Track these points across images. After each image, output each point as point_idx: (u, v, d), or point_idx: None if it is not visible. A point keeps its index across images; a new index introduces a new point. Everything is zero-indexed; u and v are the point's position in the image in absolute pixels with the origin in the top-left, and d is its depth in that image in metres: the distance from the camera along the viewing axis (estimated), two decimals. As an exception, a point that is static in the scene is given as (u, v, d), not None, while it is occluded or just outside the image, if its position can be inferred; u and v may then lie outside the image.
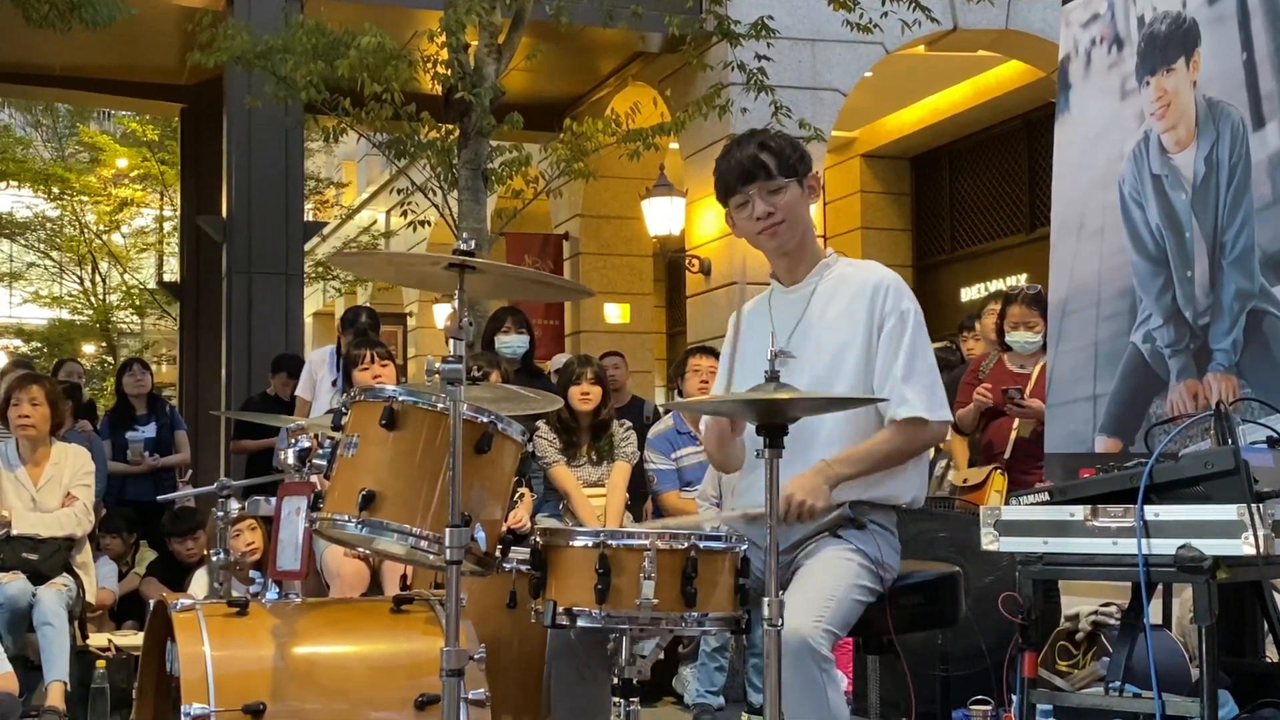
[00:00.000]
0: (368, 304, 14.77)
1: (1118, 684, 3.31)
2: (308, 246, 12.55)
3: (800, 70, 10.95)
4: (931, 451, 5.19)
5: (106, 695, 5.27)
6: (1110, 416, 4.19)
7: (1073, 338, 4.37)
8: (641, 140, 9.24)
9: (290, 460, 3.29)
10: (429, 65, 8.63)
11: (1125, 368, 4.16)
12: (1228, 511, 2.94)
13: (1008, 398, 5.56)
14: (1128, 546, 3.08)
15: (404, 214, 9.56)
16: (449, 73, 8.48)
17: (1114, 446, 4.15)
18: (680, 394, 6.44)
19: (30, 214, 23.23)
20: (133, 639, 5.71)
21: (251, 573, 3.48)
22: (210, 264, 11.85)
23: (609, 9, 9.34)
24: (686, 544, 2.73)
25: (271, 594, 3.31)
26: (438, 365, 2.67)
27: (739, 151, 3.16)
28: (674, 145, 11.66)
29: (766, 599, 2.59)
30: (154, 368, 11.64)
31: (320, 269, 18.37)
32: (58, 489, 5.78)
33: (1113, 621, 3.93)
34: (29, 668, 5.38)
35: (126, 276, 23.56)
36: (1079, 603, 4.15)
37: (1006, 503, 3.96)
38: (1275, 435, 3.26)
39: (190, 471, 8.59)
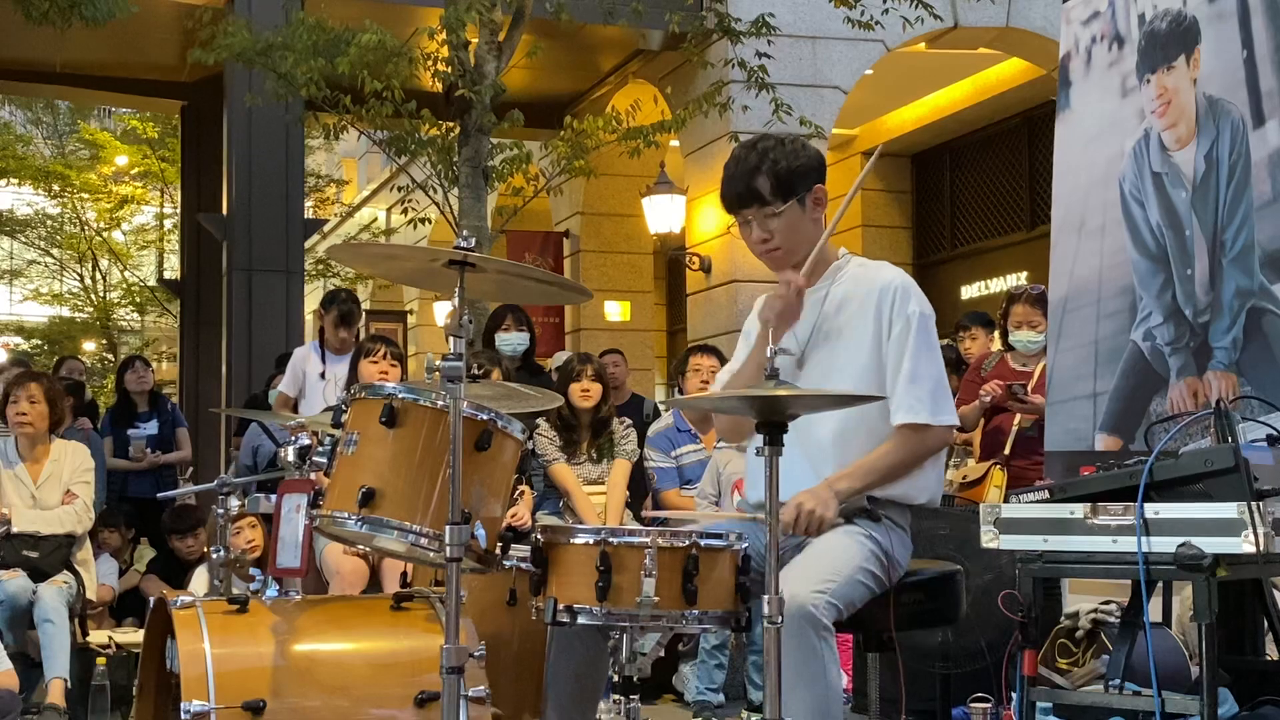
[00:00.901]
0: (368, 302, 14.77)
1: (1117, 682, 3.31)
2: (308, 244, 12.55)
3: (801, 68, 10.94)
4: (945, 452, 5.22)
5: (107, 692, 5.28)
6: (1110, 414, 4.19)
7: (1073, 335, 4.37)
8: (642, 138, 9.23)
9: (290, 457, 3.29)
10: (429, 62, 8.63)
11: (1125, 365, 4.16)
12: (1228, 509, 2.94)
13: (1011, 393, 5.61)
14: (1128, 544, 3.07)
15: (404, 211, 9.56)
16: (449, 70, 8.48)
17: (1114, 444, 4.15)
18: (681, 392, 6.44)
19: (31, 211, 23.24)
20: (133, 636, 5.72)
21: (252, 570, 3.47)
22: (211, 261, 11.85)
23: (609, 6, 9.33)
24: (687, 542, 2.73)
25: (271, 591, 3.31)
26: (438, 363, 2.67)
27: (738, 168, 3.12)
28: (674, 143, 11.66)
29: (766, 596, 2.59)
30: (154, 365, 11.64)
31: (321, 266, 18.36)
32: (57, 486, 5.78)
33: (1112, 619, 3.93)
34: (29, 665, 5.39)
35: (127, 274, 23.56)
36: (1079, 600, 4.15)
37: (1006, 500, 3.96)
38: (1275, 433, 3.25)
39: (191, 469, 8.60)
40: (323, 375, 6.43)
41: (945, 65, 12.48)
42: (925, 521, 4.81)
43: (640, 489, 6.31)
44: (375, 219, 21.08)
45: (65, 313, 24.96)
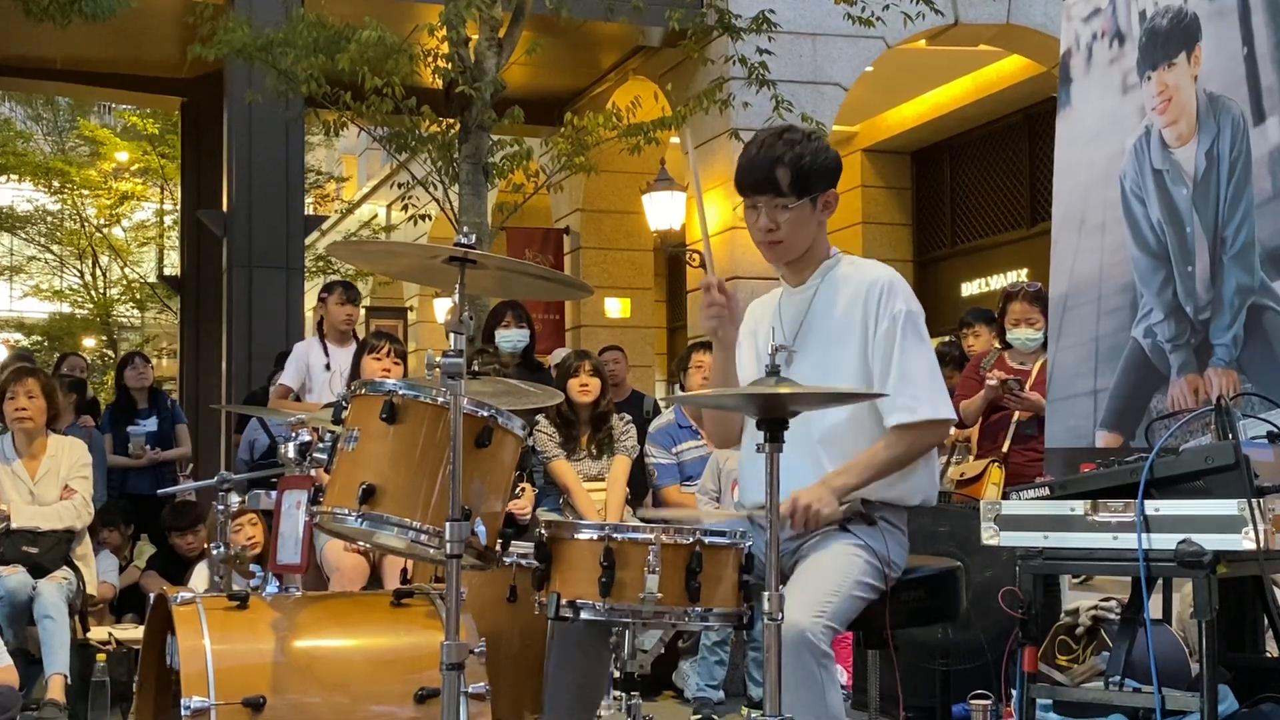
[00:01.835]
0: (368, 299, 14.76)
1: (1118, 679, 3.31)
2: (308, 240, 12.56)
3: (801, 64, 10.94)
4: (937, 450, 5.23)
5: (107, 689, 5.27)
6: (1111, 411, 4.18)
7: (1073, 333, 4.37)
8: (642, 135, 9.24)
9: (291, 454, 3.29)
10: (430, 59, 8.63)
11: (1126, 363, 4.16)
12: (1228, 506, 2.94)
13: (1006, 388, 5.64)
14: (1128, 541, 3.07)
15: (404, 208, 9.57)
16: (450, 67, 8.48)
17: (1114, 441, 4.14)
18: (683, 388, 6.44)
19: (31, 208, 23.26)
20: (133, 632, 5.72)
21: (252, 566, 3.47)
22: (211, 258, 11.85)
23: (609, 3, 9.34)
24: (691, 539, 2.73)
25: (272, 588, 3.31)
26: (438, 359, 2.67)
27: (760, 153, 3.10)
28: (675, 140, 11.65)
29: (766, 593, 2.59)
30: (154, 361, 11.64)
31: (321, 263, 18.37)
32: (55, 482, 5.77)
33: (1113, 616, 3.93)
34: (29, 661, 5.38)
35: (127, 270, 23.56)
36: (1079, 597, 4.16)
37: (1005, 496, 3.96)
38: (1276, 430, 3.26)
39: (191, 465, 8.60)
40: (328, 366, 6.45)
41: (946, 62, 12.48)
42: (924, 518, 4.81)
43: (640, 486, 6.31)
44: (375, 215, 21.09)
45: (65, 309, 24.98)
